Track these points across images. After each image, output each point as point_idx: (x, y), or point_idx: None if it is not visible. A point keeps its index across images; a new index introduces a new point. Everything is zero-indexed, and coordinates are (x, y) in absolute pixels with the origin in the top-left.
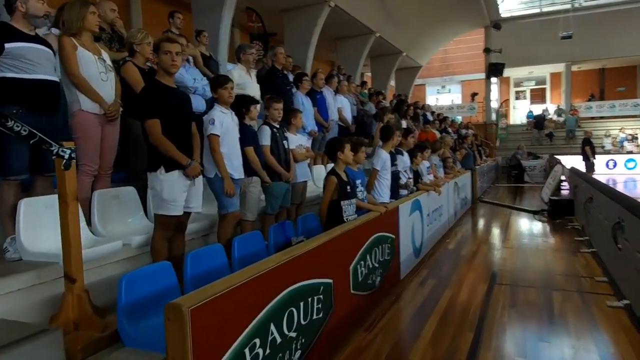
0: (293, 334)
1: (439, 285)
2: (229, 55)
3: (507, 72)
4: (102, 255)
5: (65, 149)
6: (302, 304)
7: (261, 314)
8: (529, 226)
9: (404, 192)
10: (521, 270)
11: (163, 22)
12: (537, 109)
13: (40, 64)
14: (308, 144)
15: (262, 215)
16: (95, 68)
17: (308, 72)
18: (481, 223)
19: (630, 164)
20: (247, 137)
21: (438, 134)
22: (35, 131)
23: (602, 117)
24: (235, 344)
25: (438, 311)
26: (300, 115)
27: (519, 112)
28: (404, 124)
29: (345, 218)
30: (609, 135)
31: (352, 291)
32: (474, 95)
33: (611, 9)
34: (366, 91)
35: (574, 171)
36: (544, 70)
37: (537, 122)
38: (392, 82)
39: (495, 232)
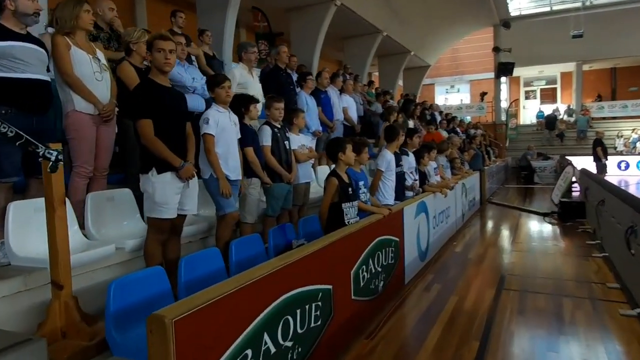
0: (289, 344)
1: (445, 290)
2: (234, 55)
3: (516, 72)
4: (94, 259)
5: (51, 151)
6: (298, 311)
7: (254, 323)
8: (538, 229)
9: (409, 194)
10: (530, 275)
11: (168, 22)
12: (547, 109)
13: (30, 63)
14: (312, 144)
15: (263, 217)
16: (90, 67)
17: (314, 72)
18: (490, 225)
19: None
20: (247, 137)
21: (445, 134)
22: (21, 133)
23: (614, 118)
24: (225, 355)
25: (443, 318)
26: (303, 115)
27: (529, 112)
28: (410, 123)
29: (346, 221)
30: (621, 136)
31: (353, 297)
32: (483, 94)
33: (623, 7)
34: (373, 91)
35: (585, 172)
36: (554, 70)
37: (549, 122)
38: (400, 82)
39: (504, 234)
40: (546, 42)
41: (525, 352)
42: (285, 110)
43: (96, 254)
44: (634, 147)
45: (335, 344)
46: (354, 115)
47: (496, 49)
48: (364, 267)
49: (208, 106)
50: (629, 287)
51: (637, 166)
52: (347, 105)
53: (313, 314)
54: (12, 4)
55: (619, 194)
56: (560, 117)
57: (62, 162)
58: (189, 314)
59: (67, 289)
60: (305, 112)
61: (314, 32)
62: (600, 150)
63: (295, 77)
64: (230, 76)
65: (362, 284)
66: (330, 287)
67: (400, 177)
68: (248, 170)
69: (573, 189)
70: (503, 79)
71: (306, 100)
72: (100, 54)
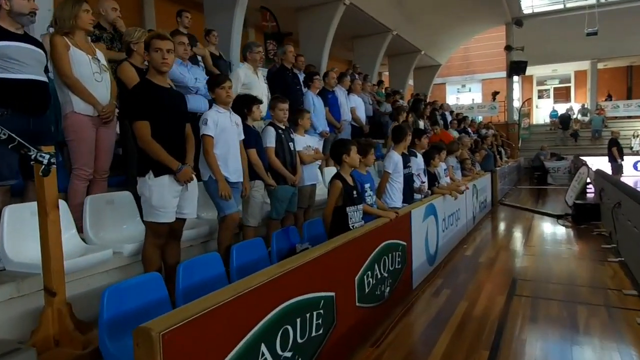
0: (288, 354)
1: (454, 295)
2: (242, 55)
3: (529, 70)
4: (91, 264)
5: (43, 154)
6: (298, 320)
7: (250, 333)
8: (552, 231)
9: (418, 196)
10: (543, 280)
11: (175, 22)
12: (561, 108)
13: (26, 63)
14: (319, 145)
15: (267, 220)
16: (89, 68)
17: (323, 72)
18: (501, 227)
19: None
20: (250, 138)
21: (456, 134)
22: (13, 135)
23: (630, 117)
24: None
25: (452, 325)
26: (308, 116)
27: (542, 112)
28: (421, 124)
29: (351, 225)
30: (637, 136)
31: (357, 304)
32: (495, 94)
33: (639, 4)
34: (383, 90)
35: (600, 173)
36: (568, 68)
37: (563, 121)
38: (411, 82)
39: (516, 237)
40: (560, 40)
41: None
42: (290, 110)
43: (93, 259)
44: None
45: (338, 353)
46: (362, 115)
47: (508, 48)
48: (369, 272)
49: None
50: None
51: None
52: (355, 106)
53: (314, 322)
54: (7, 4)
55: (636, 196)
56: (575, 116)
57: (54, 166)
58: (178, 326)
59: (61, 296)
60: (311, 112)
61: (323, 31)
62: (615, 150)
63: (302, 77)
64: (234, 76)
65: (367, 290)
66: (332, 294)
67: (409, 178)
68: (251, 172)
69: (587, 191)
70: (515, 78)
71: (313, 100)
72: (100, 54)
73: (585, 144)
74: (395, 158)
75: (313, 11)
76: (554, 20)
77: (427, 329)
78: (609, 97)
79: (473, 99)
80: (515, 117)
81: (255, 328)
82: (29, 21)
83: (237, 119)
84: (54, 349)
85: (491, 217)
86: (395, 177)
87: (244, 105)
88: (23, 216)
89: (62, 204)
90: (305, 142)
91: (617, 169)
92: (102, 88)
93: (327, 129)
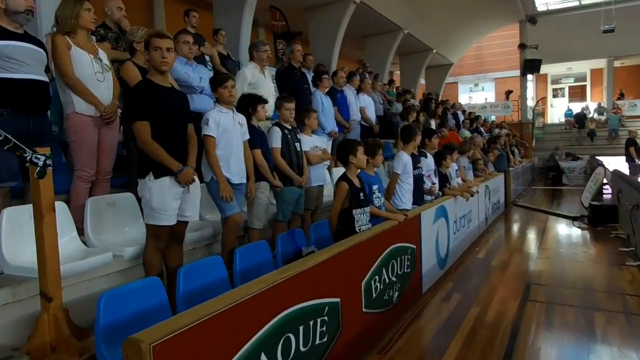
0: None
1: (465, 300)
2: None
3: (544, 69)
4: (91, 268)
5: (39, 156)
6: (301, 328)
7: (249, 343)
8: (567, 233)
9: (428, 198)
10: (558, 284)
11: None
12: (576, 107)
13: (26, 63)
14: (327, 146)
15: (273, 222)
16: (91, 68)
17: (332, 71)
18: (515, 229)
19: None
20: (254, 139)
21: (468, 134)
22: (9, 136)
23: None
24: None
25: (463, 331)
26: (315, 115)
27: (557, 111)
28: (433, 124)
29: (357, 228)
30: None
31: (364, 309)
32: (508, 93)
33: None
34: (394, 90)
35: (617, 174)
36: (583, 67)
37: (579, 120)
38: (422, 81)
39: (530, 239)
40: (575, 37)
41: None
42: (296, 110)
43: (93, 262)
44: None
45: None
46: (372, 115)
47: (522, 46)
48: (376, 277)
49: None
50: None
51: None
52: (364, 105)
53: (318, 330)
54: (3, 2)
55: None
56: (590, 115)
57: (50, 167)
58: (170, 337)
59: (57, 301)
60: (320, 111)
61: (333, 30)
62: (633, 150)
63: (310, 76)
64: (241, 76)
65: (374, 295)
66: (338, 300)
67: (419, 180)
68: (256, 173)
69: (604, 192)
70: (529, 76)
71: (321, 99)
72: (102, 54)
73: (601, 144)
74: (404, 158)
75: (323, 10)
76: (569, 18)
77: (437, 335)
78: (621, 96)
79: (486, 98)
80: (529, 116)
81: (255, 337)
82: (25, 19)
83: (241, 118)
84: (49, 355)
85: (504, 219)
86: (404, 178)
87: (248, 104)
88: (22, 218)
89: (62, 205)
90: (312, 143)
91: (635, 169)
92: (104, 88)
93: (336, 129)
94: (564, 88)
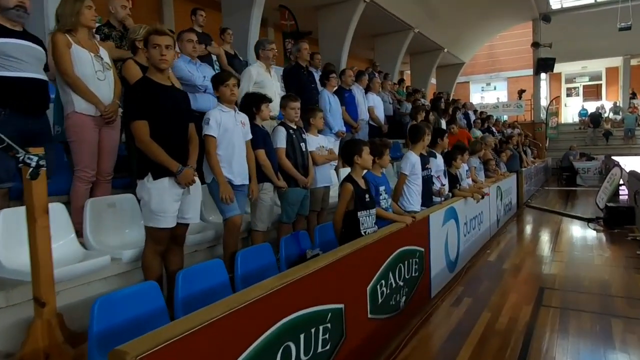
0: None
1: (476, 305)
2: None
3: (557, 68)
4: (88, 271)
5: (31, 156)
6: (302, 336)
7: (245, 354)
8: (582, 235)
9: (437, 199)
10: (573, 289)
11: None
12: (591, 107)
13: (25, 61)
14: (335, 146)
15: (277, 223)
16: (91, 67)
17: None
18: (527, 231)
19: None
20: (258, 138)
21: (479, 134)
22: (2, 136)
23: None
24: None
25: (473, 338)
26: (321, 115)
27: (571, 110)
28: (443, 123)
29: (362, 231)
30: None
31: (369, 315)
32: (521, 92)
33: None
34: (404, 89)
35: (634, 175)
36: (598, 65)
37: (594, 119)
38: (433, 80)
39: (544, 241)
40: (590, 35)
41: None
42: (302, 109)
43: (90, 265)
44: None
45: None
46: (380, 115)
47: (535, 45)
48: (382, 281)
49: None
50: None
51: None
52: (373, 105)
53: (320, 337)
54: None
55: None
56: (606, 115)
57: (44, 168)
58: (159, 348)
59: (51, 306)
60: (327, 111)
61: (343, 30)
62: None
63: (318, 75)
64: (246, 75)
65: (380, 300)
66: (341, 306)
67: (427, 180)
68: (260, 174)
69: (620, 192)
70: (543, 75)
71: (329, 99)
72: (103, 52)
73: (616, 144)
74: (412, 159)
75: (332, 9)
76: (584, 15)
77: (446, 342)
78: (633, 95)
79: (498, 98)
80: (543, 116)
81: (252, 347)
82: (16, 15)
83: (244, 117)
84: None
85: (516, 220)
86: (412, 179)
87: (252, 103)
88: (19, 220)
89: (60, 207)
90: (318, 143)
91: None
92: (104, 87)
93: (344, 128)
94: (578, 87)
